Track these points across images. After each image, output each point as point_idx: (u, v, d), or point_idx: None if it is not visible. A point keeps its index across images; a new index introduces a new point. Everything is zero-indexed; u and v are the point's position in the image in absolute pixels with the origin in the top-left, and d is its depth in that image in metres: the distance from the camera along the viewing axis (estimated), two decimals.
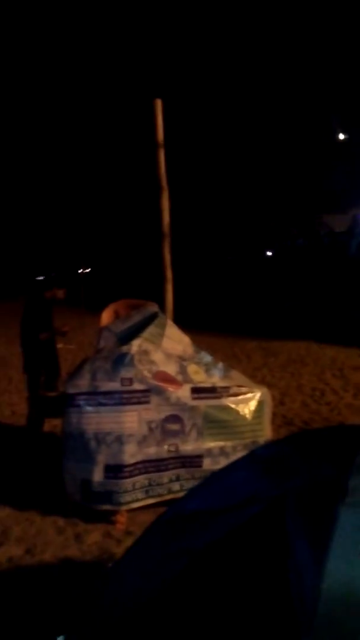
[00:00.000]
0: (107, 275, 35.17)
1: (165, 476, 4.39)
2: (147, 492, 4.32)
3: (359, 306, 15.45)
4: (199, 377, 4.66)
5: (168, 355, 4.72)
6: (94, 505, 4.27)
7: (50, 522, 4.34)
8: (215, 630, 1.76)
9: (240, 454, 4.24)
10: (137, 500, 4.28)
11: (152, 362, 4.53)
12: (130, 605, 1.85)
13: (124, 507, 4.25)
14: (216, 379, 4.74)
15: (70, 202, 45.97)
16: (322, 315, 15.75)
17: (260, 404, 4.72)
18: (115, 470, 4.19)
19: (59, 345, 5.92)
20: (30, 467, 5.30)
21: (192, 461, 4.45)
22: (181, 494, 4.23)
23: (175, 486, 4.42)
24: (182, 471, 4.44)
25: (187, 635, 1.68)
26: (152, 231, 6.24)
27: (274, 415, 5.25)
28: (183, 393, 4.44)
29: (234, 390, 4.68)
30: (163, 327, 5.03)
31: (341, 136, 31.09)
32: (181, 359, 4.78)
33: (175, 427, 4.41)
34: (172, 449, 4.39)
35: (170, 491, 4.40)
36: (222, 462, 4.33)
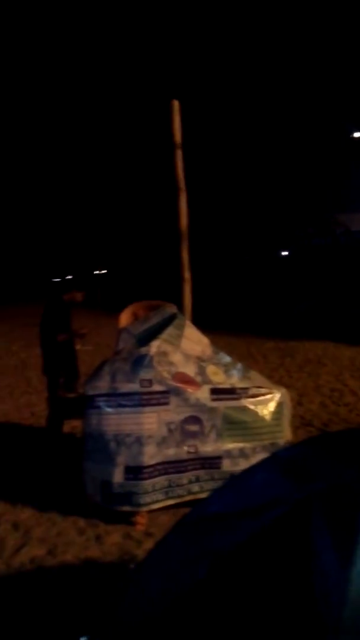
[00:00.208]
0: (124, 277, 35.31)
1: (185, 477, 4.39)
2: (166, 493, 4.33)
3: None
4: (218, 378, 4.66)
5: (187, 356, 4.72)
6: (114, 507, 4.28)
7: (71, 523, 4.38)
8: (239, 632, 1.76)
9: (259, 456, 4.24)
10: (157, 501, 4.29)
11: (171, 364, 4.53)
12: (154, 607, 1.86)
13: (144, 508, 4.26)
14: (235, 379, 4.72)
15: (89, 204, 46.27)
16: (339, 315, 15.65)
17: (280, 405, 4.70)
18: (135, 472, 4.21)
19: (77, 347, 5.97)
20: (51, 469, 5.34)
21: (211, 462, 4.45)
22: (201, 495, 4.25)
23: (195, 487, 4.42)
24: (201, 472, 4.43)
25: (212, 638, 1.69)
26: (170, 232, 6.25)
27: (292, 416, 5.22)
28: (202, 394, 4.44)
29: (253, 391, 4.66)
30: (182, 328, 5.03)
31: (356, 135, 30.89)
32: (200, 360, 4.78)
33: (194, 428, 4.41)
34: (192, 450, 4.39)
35: (189, 492, 4.40)
36: (242, 464, 4.34)
